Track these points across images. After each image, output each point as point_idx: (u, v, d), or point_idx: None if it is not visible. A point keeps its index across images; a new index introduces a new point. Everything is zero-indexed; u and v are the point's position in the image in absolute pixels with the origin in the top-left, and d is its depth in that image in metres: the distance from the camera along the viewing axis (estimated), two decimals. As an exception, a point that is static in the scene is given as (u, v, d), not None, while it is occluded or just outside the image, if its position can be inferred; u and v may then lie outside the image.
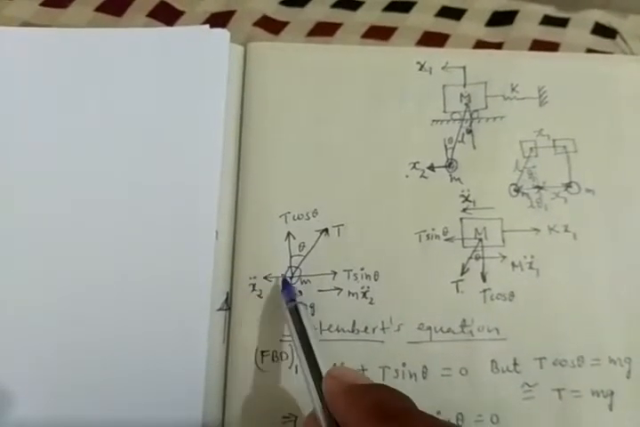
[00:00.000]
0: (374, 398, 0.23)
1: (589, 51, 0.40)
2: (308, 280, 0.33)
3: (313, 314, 0.32)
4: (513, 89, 0.36)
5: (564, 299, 0.33)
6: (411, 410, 0.22)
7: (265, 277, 0.33)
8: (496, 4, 0.43)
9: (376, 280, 0.33)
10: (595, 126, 0.36)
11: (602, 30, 0.42)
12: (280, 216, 0.34)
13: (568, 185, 0.35)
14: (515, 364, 0.32)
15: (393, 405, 0.22)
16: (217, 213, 0.33)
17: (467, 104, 0.36)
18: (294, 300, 0.30)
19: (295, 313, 0.29)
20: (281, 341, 0.32)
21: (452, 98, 0.36)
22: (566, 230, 0.34)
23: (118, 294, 0.32)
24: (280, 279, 0.32)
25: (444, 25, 0.41)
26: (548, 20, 0.42)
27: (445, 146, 0.35)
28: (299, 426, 0.31)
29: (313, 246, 0.33)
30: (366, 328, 0.32)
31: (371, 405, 0.22)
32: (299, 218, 0.34)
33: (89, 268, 0.32)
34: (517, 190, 0.35)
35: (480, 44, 0.40)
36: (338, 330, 0.32)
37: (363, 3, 0.42)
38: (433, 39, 0.40)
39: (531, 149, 0.35)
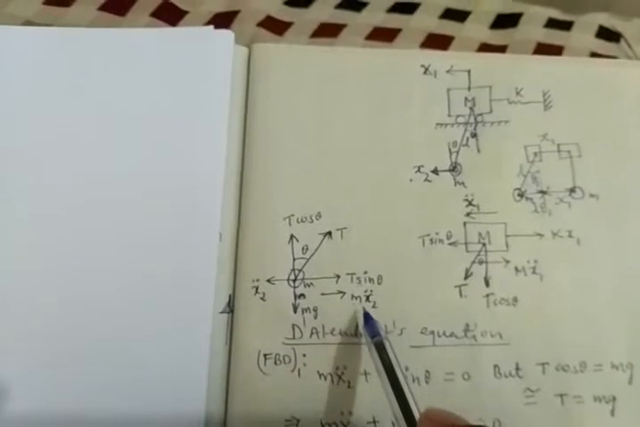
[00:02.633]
0: None
1: (593, 54, 0.40)
2: (311, 283, 0.33)
3: (315, 318, 0.32)
4: (518, 93, 0.36)
5: (568, 304, 0.33)
6: None
7: (268, 280, 0.32)
8: (500, 6, 0.43)
9: (379, 284, 0.33)
10: (599, 131, 0.36)
11: (606, 34, 0.42)
12: (284, 219, 0.33)
13: (572, 190, 0.35)
14: (517, 369, 0.32)
15: None
16: (220, 215, 0.33)
17: (471, 108, 0.36)
18: (379, 335, 0.29)
19: (382, 349, 0.29)
20: (284, 344, 0.32)
21: (456, 101, 0.36)
22: (570, 235, 0.34)
23: (121, 296, 0.32)
24: (361, 313, 0.32)
25: (448, 27, 0.41)
26: (552, 23, 0.42)
27: (450, 150, 0.35)
28: (301, 430, 0.31)
29: (316, 249, 0.33)
30: (369, 332, 0.32)
31: None
32: (302, 221, 0.33)
33: (92, 270, 0.32)
34: (521, 195, 0.35)
35: (484, 47, 0.40)
36: (341, 334, 0.32)
37: (367, 4, 0.42)
38: (437, 41, 0.40)
39: (535, 153, 0.35)
